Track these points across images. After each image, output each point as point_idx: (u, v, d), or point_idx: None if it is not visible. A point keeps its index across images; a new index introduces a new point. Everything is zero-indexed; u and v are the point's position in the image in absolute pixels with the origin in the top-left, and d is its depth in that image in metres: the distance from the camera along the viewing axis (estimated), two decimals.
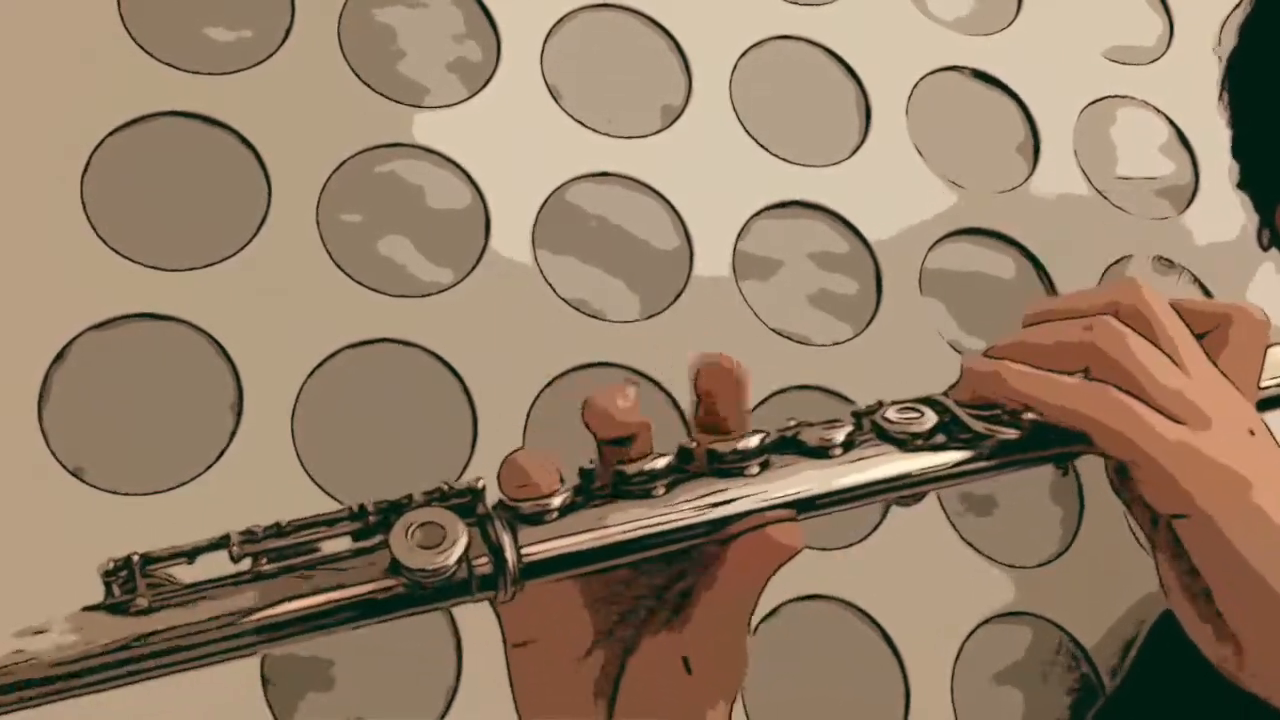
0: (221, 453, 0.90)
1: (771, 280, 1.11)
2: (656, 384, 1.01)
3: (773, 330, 1.07)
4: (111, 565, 0.33)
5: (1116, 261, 1.21)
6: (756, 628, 0.95)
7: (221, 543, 0.34)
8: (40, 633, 0.31)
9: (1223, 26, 0.77)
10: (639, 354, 1.02)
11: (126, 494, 0.87)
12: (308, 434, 0.92)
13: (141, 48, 1.01)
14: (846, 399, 1.06)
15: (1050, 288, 1.17)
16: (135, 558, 0.33)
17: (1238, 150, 0.79)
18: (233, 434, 0.91)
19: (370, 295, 0.98)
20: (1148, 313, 0.37)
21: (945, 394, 0.39)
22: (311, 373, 0.94)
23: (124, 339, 0.92)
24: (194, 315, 0.93)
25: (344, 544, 0.35)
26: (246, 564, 0.34)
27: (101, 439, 0.89)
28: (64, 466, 0.87)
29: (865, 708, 0.99)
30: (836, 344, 1.09)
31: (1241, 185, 0.79)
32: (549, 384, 0.99)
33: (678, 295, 1.06)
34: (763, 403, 1.02)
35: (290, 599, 0.33)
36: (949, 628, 1.01)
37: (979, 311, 1.14)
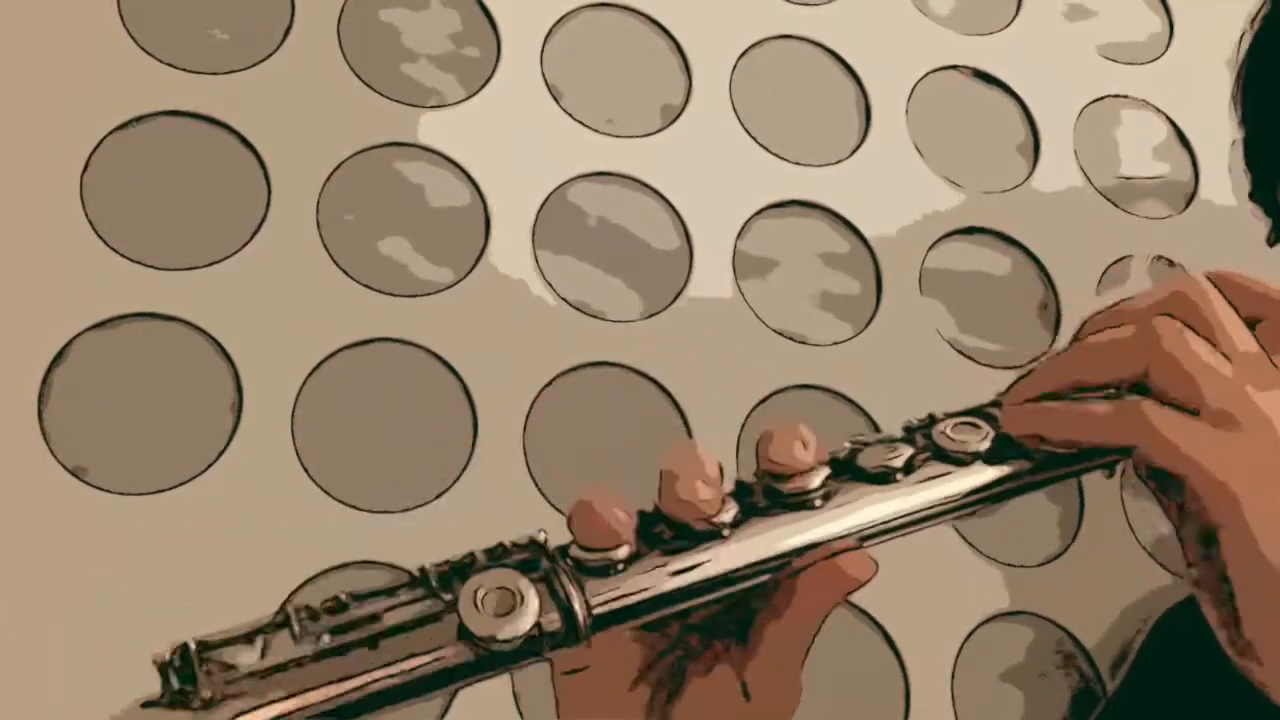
0: (221, 453, 0.90)
1: (771, 280, 1.11)
2: (656, 384, 1.01)
3: (773, 330, 1.07)
4: (168, 655, 0.31)
5: (1116, 261, 1.21)
6: None
7: (282, 623, 0.32)
8: None
9: (1242, 38, 0.77)
10: (639, 354, 1.02)
11: (126, 494, 0.87)
12: (308, 434, 0.92)
13: (141, 48, 1.01)
14: (847, 399, 1.06)
15: (1050, 288, 1.17)
16: (191, 645, 0.31)
17: (1249, 154, 0.78)
18: (233, 434, 0.91)
19: (370, 295, 0.98)
20: (1204, 305, 0.36)
21: (994, 404, 0.39)
22: (311, 373, 0.94)
23: (124, 339, 0.92)
24: (194, 315, 0.93)
25: (407, 612, 0.33)
26: (309, 644, 0.32)
27: (101, 439, 0.89)
28: (64, 466, 0.87)
29: (865, 708, 0.99)
30: (836, 344, 1.09)
31: (1253, 195, 0.79)
32: (549, 384, 0.99)
33: (678, 295, 1.06)
34: (762, 402, 1.02)
35: (362, 674, 0.31)
36: (949, 628, 1.01)
37: (979, 311, 1.14)
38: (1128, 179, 1.27)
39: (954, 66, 1.26)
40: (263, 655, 0.32)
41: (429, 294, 1.00)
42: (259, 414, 0.92)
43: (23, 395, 0.88)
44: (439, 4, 1.12)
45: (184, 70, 1.01)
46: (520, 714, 0.88)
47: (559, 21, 1.14)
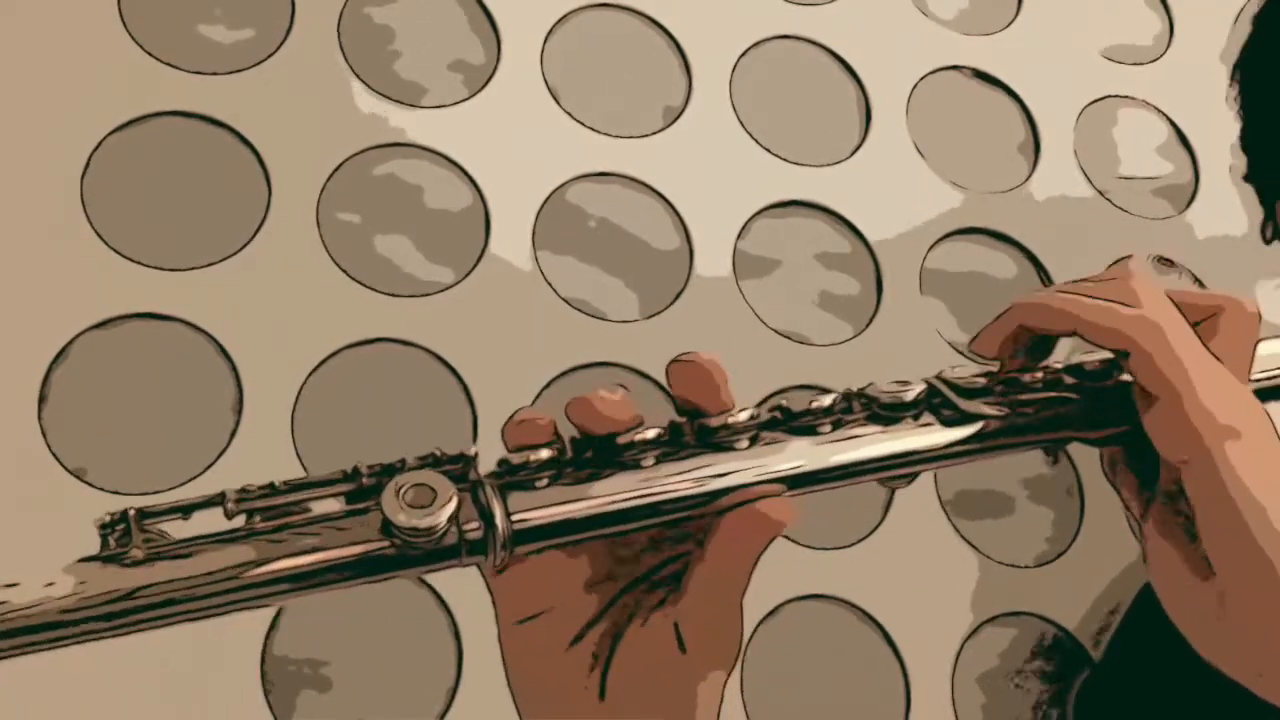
0: (221, 453, 0.90)
1: (771, 280, 1.11)
2: (656, 384, 1.01)
3: (773, 330, 1.08)
4: (108, 518, 0.35)
5: (1116, 261, 1.21)
6: (756, 628, 0.95)
7: (216, 500, 0.35)
8: (48, 584, 0.33)
9: (1236, 20, 0.77)
10: (639, 354, 1.02)
11: (126, 494, 0.87)
12: (308, 434, 0.92)
13: (141, 48, 1.01)
14: None
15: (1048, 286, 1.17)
16: (131, 512, 0.34)
17: (1246, 143, 0.79)
18: (233, 434, 0.91)
19: (370, 295, 0.98)
20: (1145, 294, 0.38)
21: (939, 375, 0.40)
22: (311, 373, 0.94)
23: (124, 339, 0.92)
24: (194, 315, 0.93)
25: (337, 505, 0.35)
26: (240, 521, 0.35)
27: (101, 439, 0.89)
28: (64, 466, 0.87)
29: (865, 708, 0.99)
30: (836, 344, 1.09)
31: (1248, 178, 0.80)
32: (549, 384, 0.99)
33: (678, 295, 1.06)
34: (762, 403, 1.02)
35: (282, 556, 0.33)
36: (949, 628, 1.01)
37: (979, 311, 1.14)
38: (1128, 179, 1.27)
39: (954, 67, 1.26)
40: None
41: (429, 294, 1.00)
42: (259, 414, 0.92)
43: (23, 395, 0.88)
44: (439, 4, 1.12)
45: (184, 70, 1.01)
46: (520, 714, 0.88)
47: (559, 21, 1.14)
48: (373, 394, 0.96)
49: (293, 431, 0.92)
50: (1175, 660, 0.40)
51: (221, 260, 0.96)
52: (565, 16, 1.15)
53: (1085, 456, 1.10)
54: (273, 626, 0.87)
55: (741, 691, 0.94)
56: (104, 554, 0.34)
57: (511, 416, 0.38)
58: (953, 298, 1.15)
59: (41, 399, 0.88)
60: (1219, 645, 0.36)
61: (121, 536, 0.34)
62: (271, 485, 0.35)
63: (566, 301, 1.03)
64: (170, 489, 0.88)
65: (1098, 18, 1.35)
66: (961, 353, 1.12)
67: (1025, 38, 1.30)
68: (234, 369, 0.93)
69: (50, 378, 0.89)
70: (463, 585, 0.91)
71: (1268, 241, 0.80)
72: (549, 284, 1.03)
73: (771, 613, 0.96)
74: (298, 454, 0.91)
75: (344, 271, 0.98)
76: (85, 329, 0.91)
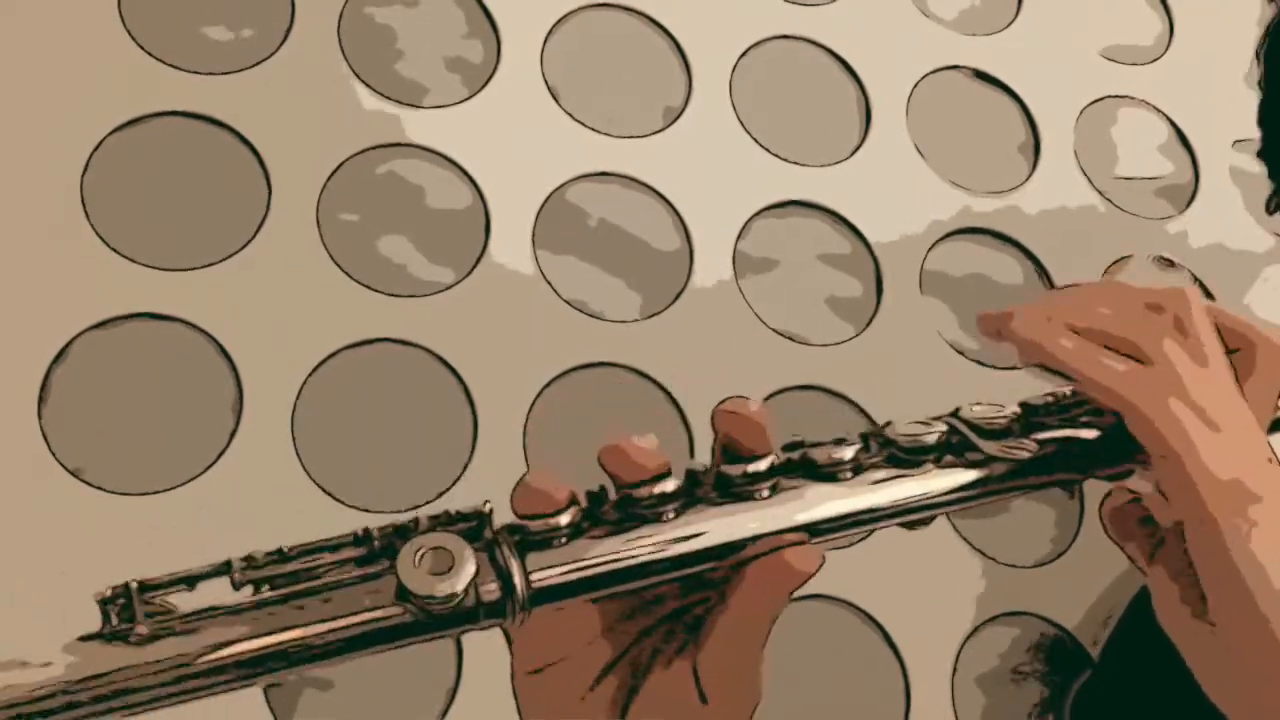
0: (221, 453, 0.90)
1: (771, 280, 1.11)
2: (656, 384, 1.01)
3: (773, 330, 1.07)
4: (109, 593, 0.32)
5: (1116, 261, 1.21)
6: None
7: (222, 570, 0.33)
8: (46, 665, 0.30)
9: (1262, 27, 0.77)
10: (639, 354, 1.02)
11: (126, 494, 0.87)
12: (308, 434, 0.92)
13: (141, 48, 1.01)
14: (847, 399, 1.06)
15: (1050, 287, 1.17)
16: (133, 585, 0.32)
17: (1264, 116, 0.79)
18: (233, 434, 0.91)
19: (370, 295, 0.98)
20: (1190, 327, 0.38)
21: (956, 412, 0.39)
22: (311, 373, 0.94)
23: (124, 339, 0.92)
24: (194, 315, 0.93)
25: (348, 570, 0.34)
26: (248, 591, 0.33)
27: (101, 439, 0.89)
28: (64, 466, 0.87)
29: (865, 708, 0.99)
30: (836, 344, 1.09)
31: (1261, 154, 0.80)
32: (549, 384, 0.99)
33: (678, 295, 1.06)
34: (763, 403, 1.02)
35: (294, 627, 0.32)
36: (949, 628, 1.01)
37: (979, 311, 1.14)
38: (1128, 179, 1.27)
39: (954, 67, 1.26)
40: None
41: (429, 294, 1.00)
42: (259, 414, 0.92)
43: (23, 395, 0.88)
44: (439, 4, 1.12)
45: (184, 70, 1.01)
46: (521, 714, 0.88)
47: (559, 21, 1.14)
48: (373, 394, 0.96)
49: (293, 431, 0.92)
50: (1172, 663, 0.40)
51: (221, 260, 0.96)
52: (565, 16, 1.15)
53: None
54: None
55: None
56: (107, 631, 0.31)
57: (521, 481, 0.36)
58: (953, 298, 1.15)
59: (41, 399, 0.88)
60: (1220, 687, 0.37)
61: (123, 610, 0.32)
62: (280, 551, 0.34)
63: (566, 301, 1.03)
64: (170, 489, 0.88)
65: (1098, 18, 1.35)
66: (961, 353, 1.12)
67: (1025, 38, 1.30)
68: (234, 369, 0.93)
69: (50, 378, 0.89)
70: None
71: (1271, 213, 0.81)
72: (549, 284, 1.03)
73: None
74: (298, 454, 0.91)
75: (344, 271, 0.98)
76: (85, 329, 0.91)
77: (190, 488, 0.88)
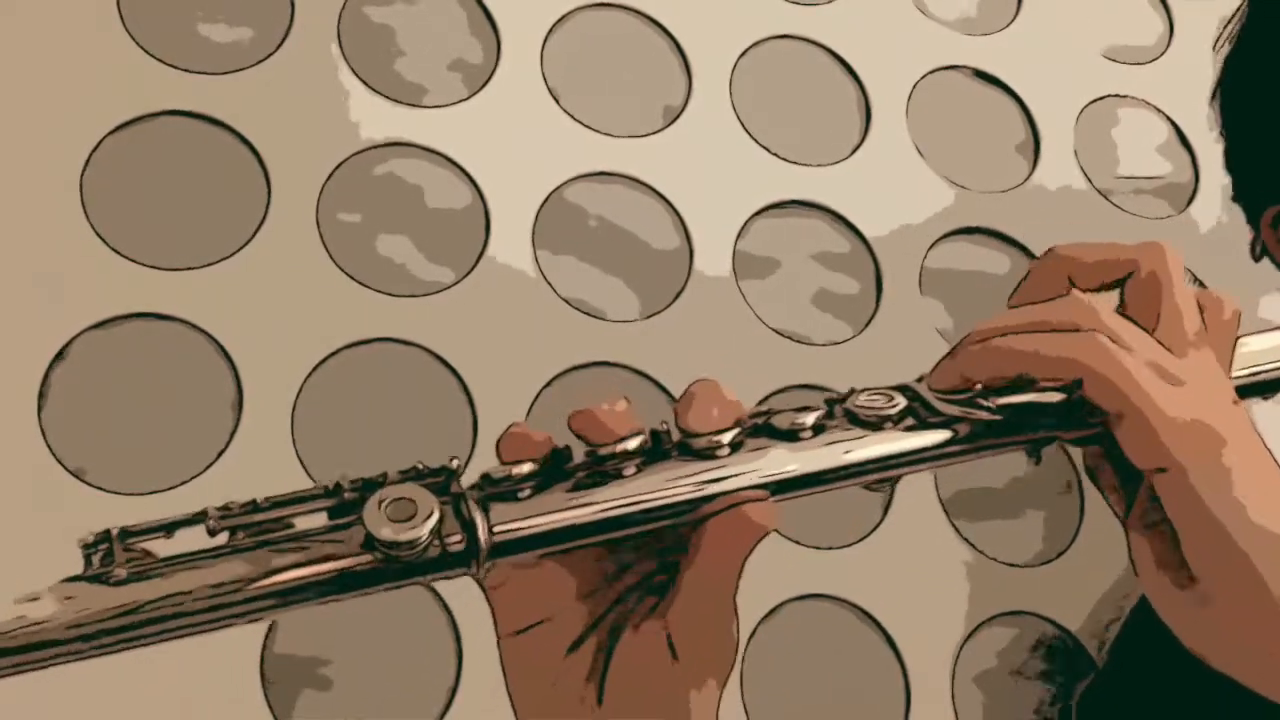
0: (221, 453, 0.90)
1: (771, 280, 1.11)
2: (656, 384, 1.01)
3: (773, 330, 1.08)
4: (91, 538, 0.34)
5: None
6: (756, 628, 0.95)
7: (199, 518, 0.35)
8: (31, 600, 0.32)
9: (1219, 33, 0.77)
10: (639, 354, 1.02)
11: (126, 494, 0.87)
12: (308, 434, 0.92)
13: (141, 48, 1.01)
14: None
15: None
16: (114, 531, 0.34)
17: (1230, 163, 0.79)
18: (233, 434, 0.91)
19: (370, 295, 0.98)
20: (1164, 282, 0.38)
21: (919, 380, 0.40)
22: (311, 373, 0.94)
23: (124, 339, 0.92)
24: (194, 315, 0.93)
25: (319, 520, 0.35)
26: (223, 538, 0.35)
27: (101, 439, 0.89)
28: (64, 466, 0.87)
29: (865, 708, 0.99)
30: (836, 344, 1.09)
31: (1236, 198, 0.80)
32: (549, 384, 0.99)
33: (678, 295, 1.06)
34: (762, 403, 1.02)
35: (266, 573, 0.33)
36: (949, 628, 1.01)
37: (979, 311, 1.14)
38: (1128, 179, 1.27)
39: (954, 66, 1.26)
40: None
41: (429, 294, 1.00)
42: (259, 414, 0.92)
43: (23, 395, 0.88)
44: (439, 4, 1.12)
45: (184, 70, 1.01)
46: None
47: (559, 21, 1.14)
48: (373, 394, 0.96)
49: (293, 431, 0.92)
50: (1179, 665, 0.40)
51: (221, 260, 0.96)
52: (565, 16, 1.15)
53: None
54: (273, 626, 0.87)
55: (741, 691, 0.94)
56: (88, 574, 0.33)
57: (507, 429, 0.38)
58: (952, 297, 1.15)
59: (41, 399, 0.88)
60: (1204, 639, 0.37)
61: (105, 556, 0.34)
62: (253, 502, 0.35)
63: (566, 301, 1.03)
64: (170, 489, 0.88)
65: (1098, 17, 1.35)
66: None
67: (1025, 38, 1.30)
68: (234, 369, 0.93)
69: (50, 378, 0.89)
70: (462, 585, 0.92)
71: (1256, 259, 0.81)
72: (549, 284, 1.03)
73: (771, 613, 0.96)
74: (298, 454, 0.91)
75: (344, 271, 0.98)
76: (85, 329, 0.91)
77: (190, 488, 0.88)
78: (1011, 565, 1.05)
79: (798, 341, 1.08)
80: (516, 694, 0.40)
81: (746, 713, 0.94)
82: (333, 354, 0.95)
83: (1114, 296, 0.40)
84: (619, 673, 0.38)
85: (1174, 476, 0.35)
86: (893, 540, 1.02)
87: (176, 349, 0.93)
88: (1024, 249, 1.18)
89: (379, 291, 0.98)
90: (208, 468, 0.89)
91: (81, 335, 0.91)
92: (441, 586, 0.89)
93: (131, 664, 0.86)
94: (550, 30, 1.13)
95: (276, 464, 0.91)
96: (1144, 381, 0.35)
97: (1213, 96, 0.79)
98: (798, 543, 0.97)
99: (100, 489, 0.87)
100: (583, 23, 1.16)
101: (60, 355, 0.90)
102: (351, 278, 0.98)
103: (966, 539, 1.05)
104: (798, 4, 1.24)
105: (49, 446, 0.87)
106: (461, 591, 0.89)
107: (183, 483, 0.88)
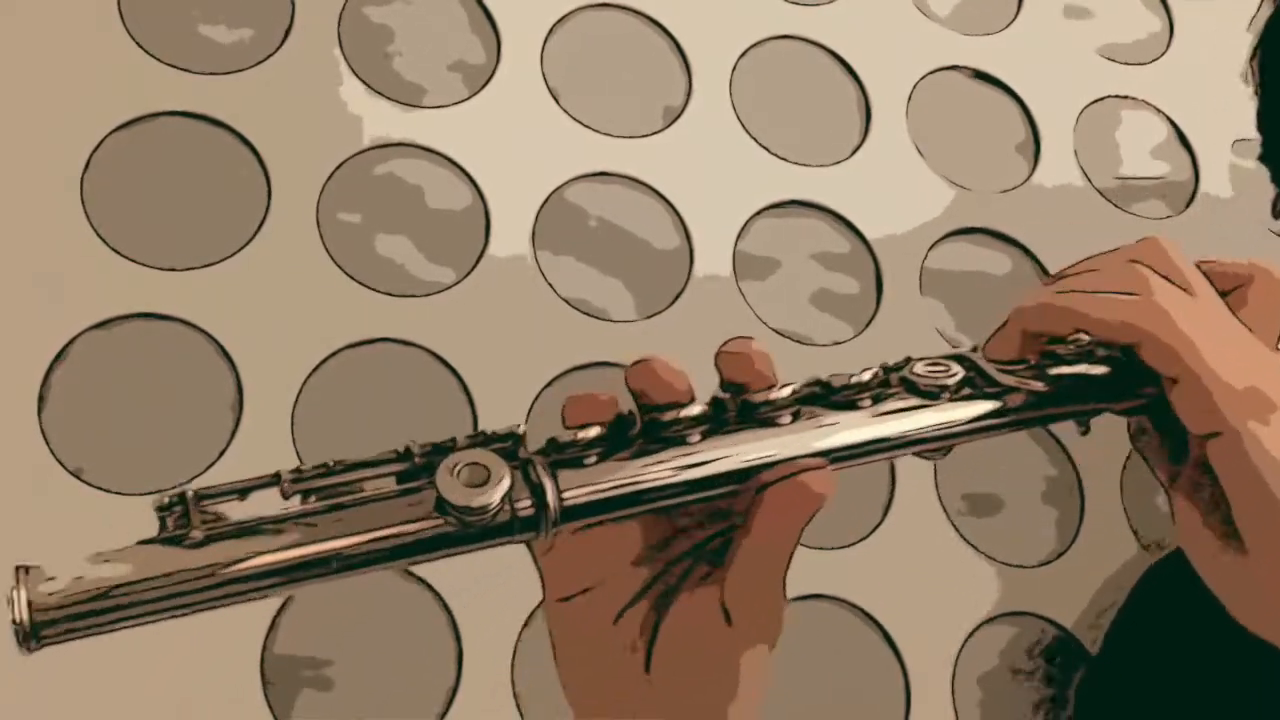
0: (221, 453, 0.90)
1: (771, 280, 1.11)
2: None
3: (773, 330, 1.08)
4: (166, 500, 0.35)
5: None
6: None
7: (272, 481, 0.35)
8: (108, 561, 0.32)
9: (1261, 4, 0.77)
10: (639, 354, 1.02)
11: (126, 494, 0.87)
12: (308, 434, 0.92)
13: (141, 48, 1.01)
14: None
15: None
16: (189, 493, 0.35)
17: (1262, 121, 0.79)
18: (233, 434, 0.91)
19: (370, 295, 0.98)
20: (1173, 272, 0.38)
21: (974, 349, 0.41)
22: (311, 373, 0.94)
23: (124, 339, 0.92)
24: (194, 315, 0.93)
25: (389, 484, 0.35)
26: (296, 501, 0.35)
27: (101, 439, 0.89)
28: (64, 466, 0.87)
29: (865, 708, 0.99)
30: (836, 344, 1.09)
31: (1262, 157, 0.80)
32: (549, 384, 0.99)
33: (678, 295, 1.06)
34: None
35: (338, 537, 0.34)
36: (949, 628, 1.01)
37: (979, 311, 1.14)
38: (1128, 179, 1.27)
39: (954, 66, 1.26)
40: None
41: (429, 294, 1.00)
42: (259, 414, 0.92)
43: (23, 395, 0.88)
44: (439, 3, 1.12)
45: (184, 70, 1.01)
46: (520, 714, 0.88)
47: (559, 21, 1.14)
48: (373, 394, 0.96)
49: (293, 431, 0.92)
50: (1175, 652, 0.40)
51: (221, 260, 0.96)
52: (565, 16, 1.15)
53: (1086, 454, 1.10)
54: (273, 626, 0.87)
55: None
56: (163, 536, 0.34)
57: (572, 395, 0.38)
58: (953, 298, 1.15)
59: (41, 399, 0.88)
60: (1250, 605, 0.37)
61: (180, 518, 0.34)
62: (326, 465, 0.36)
63: (566, 301, 1.03)
64: (170, 489, 0.88)
65: (1098, 17, 1.35)
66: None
67: (1025, 38, 1.30)
68: (234, 369, 0.93)
69: (50, 378, 0.89)
70: (463, 585, 0.92)
71: (1277, 216, 0.81)
72: (549, 284, 1.03)
73: None
74: (298, 454, 0.91)
75: (344, 271, 0.98)
76: (85, 329, 0.91)
77: (190, 487, 0.88)
78: (1011, 565, 1.05)
79: (798, 341, 1.08)
80: (562, 661, 0.40)
81: None
82: (333, 354, 0.95)
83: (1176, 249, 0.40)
84: (670, 639, 0.38)
85: (1228, 441, 0.35)
86: (893, 540, 1.02)
87: (176, 349, 0.93)
88: (1024, 249, 1.19)
89: (379, 291, 0.98)
90: (208, 468, 0.89)
91: (81, 335, 0.91)
92: (442, 586, 0.89)
93: (132, 663, 0.87)
94: (550, 30, 1.13)
95: (276, 464, 0.90)
96: (1199, 345, 0.36)
97: (1251, 56, 0.79)
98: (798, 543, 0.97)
99: (100, 489, 0.87)
100: (583, 23, 1.16)
101: (60, 355, 0.90)
102: (351, 278, 0.98)
103: (966, 539, 1.05)
104: (798, 4, 1.24)
105: (49, 446, 0.87)
106: (462, 591, 0.89)
107: (183, 483, 0.88)
